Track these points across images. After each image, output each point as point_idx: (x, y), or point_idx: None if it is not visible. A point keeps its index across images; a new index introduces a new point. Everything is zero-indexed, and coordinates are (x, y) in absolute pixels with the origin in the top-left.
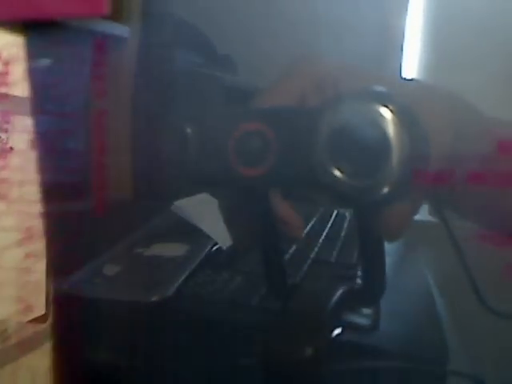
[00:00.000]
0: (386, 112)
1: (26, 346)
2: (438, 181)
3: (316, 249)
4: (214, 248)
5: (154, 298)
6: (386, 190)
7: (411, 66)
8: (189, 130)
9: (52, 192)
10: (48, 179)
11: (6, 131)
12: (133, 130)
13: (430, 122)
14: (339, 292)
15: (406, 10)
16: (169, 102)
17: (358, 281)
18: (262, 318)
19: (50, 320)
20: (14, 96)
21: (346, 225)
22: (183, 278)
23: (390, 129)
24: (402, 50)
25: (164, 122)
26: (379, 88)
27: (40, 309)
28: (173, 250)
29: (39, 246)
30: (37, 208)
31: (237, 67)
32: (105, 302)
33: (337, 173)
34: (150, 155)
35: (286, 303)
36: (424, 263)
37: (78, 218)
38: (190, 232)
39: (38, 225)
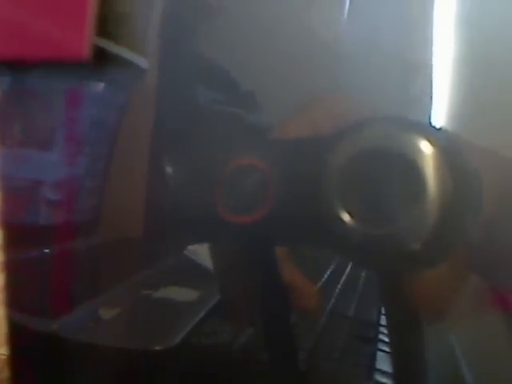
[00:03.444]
0: (425, 146)
1: None
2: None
3: (333, 300)
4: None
5: (158, 347)
6: (416, 245)
7: (441, 113)
8: (169, 170)
9: (60, 231)
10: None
11: None
12: (149, 167)
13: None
14: None
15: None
16: (188, 140)
17: (381, 346)
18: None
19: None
20: None
21: (364, 273)
22: (191, 326)
23: (428, 166)
24: (431, 98)
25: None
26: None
27: None
28: (183, 294)
29: None
30: None
31: (260, 105)
32: (98, 349)
33: (345, 217)
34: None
35: None
36: (451, 334)
37: (78, 257)
38: (202, 277)
39: None
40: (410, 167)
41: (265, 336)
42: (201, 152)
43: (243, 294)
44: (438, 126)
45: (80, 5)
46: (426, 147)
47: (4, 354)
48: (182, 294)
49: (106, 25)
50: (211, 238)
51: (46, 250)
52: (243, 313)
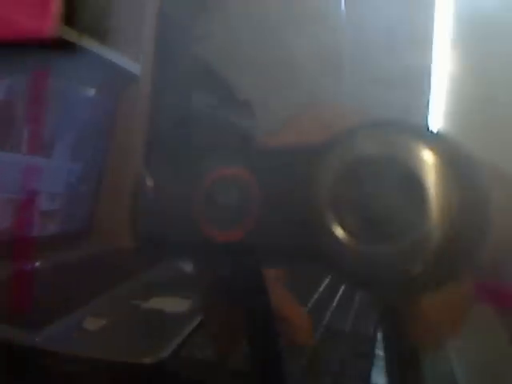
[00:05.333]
0: (427, 154)
1: None
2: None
3: (328, 313)
4: None
5: (148, 360)
6: (418, 266)
7: (437, 120)
8: (149, 182)
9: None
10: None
11: None
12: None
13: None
14: None
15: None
16: (181, 146)
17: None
18: None
19: None
20: None
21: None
22: (181, 338)
23: (431, 178)
24: (427, 104)
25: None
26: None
27: None
28: (174, 304)
29: None
30: None
31: (255, 114)
32: (82, 362)
33: (338, 232)
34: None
35: None
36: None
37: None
38: (193, 286)
39: None
40: (410, 179)
41: (252, 365)
42: (184, 162)
43: (227, 319)
44: (440, 132)
45: None
46: (428, 155)
47: None
48: (172, 304)
49: (94, 24)
50: (193, 256)
51: (37, 263)
52: (227, 338)
